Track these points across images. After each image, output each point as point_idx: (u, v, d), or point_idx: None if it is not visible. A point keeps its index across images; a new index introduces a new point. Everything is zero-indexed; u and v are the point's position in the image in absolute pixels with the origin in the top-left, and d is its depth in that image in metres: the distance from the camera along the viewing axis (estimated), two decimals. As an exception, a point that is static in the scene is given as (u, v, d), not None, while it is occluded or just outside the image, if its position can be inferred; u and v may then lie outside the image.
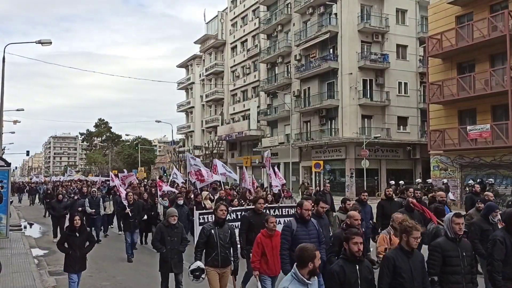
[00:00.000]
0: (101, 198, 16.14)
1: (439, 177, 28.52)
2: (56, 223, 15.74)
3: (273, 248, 6.70)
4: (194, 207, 12.05)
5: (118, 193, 15.20)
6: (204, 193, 14.01)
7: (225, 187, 16.15)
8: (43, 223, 21.81)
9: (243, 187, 18.80)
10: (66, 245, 8.06)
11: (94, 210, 15.24)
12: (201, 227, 7.96)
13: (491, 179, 24.40)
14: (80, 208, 14.71)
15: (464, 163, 27.44)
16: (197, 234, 8.97)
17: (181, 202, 12.23)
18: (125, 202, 12.95)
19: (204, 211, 11.54)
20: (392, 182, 29.35)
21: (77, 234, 8.03)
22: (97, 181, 34.55)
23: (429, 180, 29.05)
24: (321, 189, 19.13)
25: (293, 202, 13.26)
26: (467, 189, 24.72)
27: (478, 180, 25.29)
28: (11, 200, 17.45)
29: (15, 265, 10.89)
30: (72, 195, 19.57)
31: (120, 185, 16.05)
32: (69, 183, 33.16)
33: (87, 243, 8.25)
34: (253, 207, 8.67)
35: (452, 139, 26.74)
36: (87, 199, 15.94)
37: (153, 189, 17.91)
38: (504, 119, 24.43)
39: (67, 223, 13.94)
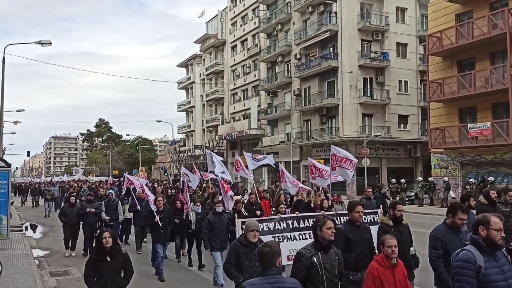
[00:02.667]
0: (119, 201, 14.12)
1: (440, 175, 28.51)
2: (69, 232, 13.01)
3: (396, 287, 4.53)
4: (236, 215, 9.37)
5: (137, 195, 13.80)
6: (235, 198, 12.05)
7: (258, 189, 13.63)
8: (44, 223, 21.86)
9: (279, 189, 15.80)
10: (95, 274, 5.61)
11: (109, 218, 13.23)
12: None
13: (491, 177, 24.41)
14: (88, 210, 13.12)
15: (465, 161, 27.42)
16: None
17: (220, 209, 9.65)
18: (153, 208, 10.95)
19: (247, 219, 8.85)
20: (394, 180, 29.38)
21: (109, 258, 5.58)
22: (107, 180, 32.96)
23: (430, 179, 29.05)
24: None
25: (343, 208, 11.20)
26: (468, 187, 24.74)
27: (479, 178, 25.38)
28: (11, 200, 17.43)
29: (16, 266, 10.89)
30: (84, 198, 15.80)
31: (143, 187, 13.87)
32: (78, 184, 31.22)
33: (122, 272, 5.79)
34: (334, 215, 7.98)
35: (453, 137, 26.72)
36: (103, 202, 13.73)
37: (170, 191, 16.96)
38: (505, 117, 24.41)
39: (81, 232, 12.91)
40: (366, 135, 33.64)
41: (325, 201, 10.94)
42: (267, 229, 7.90)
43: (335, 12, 36.72)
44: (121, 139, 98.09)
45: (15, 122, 47.55)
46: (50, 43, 20.91)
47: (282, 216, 8.68)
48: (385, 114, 36.38)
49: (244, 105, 49.92)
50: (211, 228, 9.14)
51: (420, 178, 31.74)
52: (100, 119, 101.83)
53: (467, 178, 26.51)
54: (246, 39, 50.90)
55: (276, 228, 8.04)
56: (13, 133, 54.98)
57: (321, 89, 37.86)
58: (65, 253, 12.95)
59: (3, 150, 46.27)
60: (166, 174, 61.58)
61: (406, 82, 37.22)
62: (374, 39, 36.23)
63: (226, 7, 55.90)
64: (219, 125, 54.01)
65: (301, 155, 39.87)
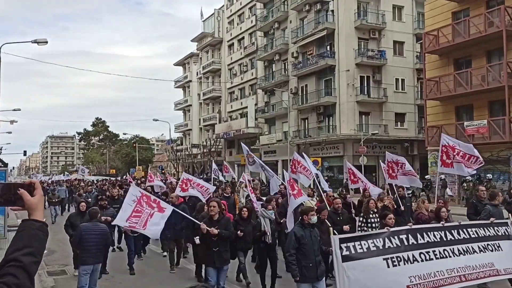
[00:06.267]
0: None
1: (436, 173, 28.53)
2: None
3: None
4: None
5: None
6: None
7: (328, 192, 11.97)
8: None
9: (367, 193, 15.07)
10: None
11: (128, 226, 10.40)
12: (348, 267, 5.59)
13: (488, 175, 24.46)
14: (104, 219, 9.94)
15: (462, 159, 27.46)
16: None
17: (314, 219, 6.79)
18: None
19: (346, 235, 6.84)
20: None
21: None
22: (116, 180, 30.60)
23: (427, 176, 29.08)
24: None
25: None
26: (465, 185, 24.79)
27: (475, 176, 25.41)
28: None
29: (14, 266, 10.80)
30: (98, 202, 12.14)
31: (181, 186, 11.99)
32: (86, 185, 26.49)
33: None
34: None
35: (450, 135, 26.73)
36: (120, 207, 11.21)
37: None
38: (501, 114, 24.48)
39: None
40: (363, 133, 33.69)
41: (444, 210, 8.19)
42: (374, 249, 5.97)
43: (332, 11, 36.74)
44: (118, 138, 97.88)
45: (12, 122, 47.41)
46: (46, 42, 20.88)
47: (392, 229, 6.53)
48: (382, 112, 36.44)
49: (241, 104, 49.90)
50: (300, 248, 6.47)
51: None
52: (97, 118, 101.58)
53: (463, 176, 26.54)
54: (243, 38, 50.85)
55: (387, 247, 6.04)
56: (9, 133, 55.03)
57: (318, 87, 37.87)
58: (74, 272, 10.25)
59: (0, 149, 46.18)
60: (163, 174, 61.46)
61: (403, 80, 37.29)
62: (371, 37, 36.27)
63: (223, 6, 55.83)
64: (216, 124, 53.96)
65: (299, 153, 39.88)
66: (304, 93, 39.20)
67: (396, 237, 6.18)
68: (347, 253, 5.85)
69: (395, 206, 10.59)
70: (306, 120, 39.56)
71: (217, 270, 7.42)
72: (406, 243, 6.15)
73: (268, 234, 8.63)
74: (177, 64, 65.77)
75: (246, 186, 15.22)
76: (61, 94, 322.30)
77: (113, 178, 44.02)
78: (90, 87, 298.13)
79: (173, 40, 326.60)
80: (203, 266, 8.67)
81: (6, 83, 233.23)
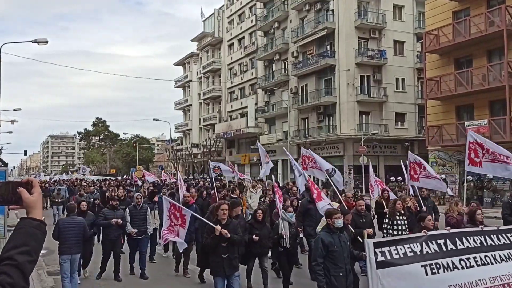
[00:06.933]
0: (148, 208, 10.60)
1: (437, 173, 28.50)
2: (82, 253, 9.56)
3: None
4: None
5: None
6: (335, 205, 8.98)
7: (347, 194, 11.46)
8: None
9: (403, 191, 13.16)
10: None
11: (136, 231, 9.96)
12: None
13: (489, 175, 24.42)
14: (114, 222, 9.82)
15: (462, 159, 27.35)
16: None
17: (340, 222, 6.09)
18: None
19: (381, 239, 6.82)
20: (393, 178, 29.37)
21: None
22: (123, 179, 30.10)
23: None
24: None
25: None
26: (465, 185, 24.75)
27: (476, 176, 25.38)
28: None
29: (13, 266, 10.78)
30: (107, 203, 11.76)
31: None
32: (87, 185, 26.42)
33: None
34: None
35: (450, 135, 26.76)
36: (127, 209, 10.35)
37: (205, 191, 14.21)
38: (502, 114, 24.45)
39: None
40: (364, 133, 33.66)
41: (479, 212, 7.55)
42: (411, 254, 5.51)
43: (332, 10, 36.70)
44: (118, 138, 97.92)
45: (12, 121, 47.50)
46: (47, 42, 20.87)
47: (430, 233, 5.94)
48: (382, 112, 36.41)
49: (241, 104, 49.88)
50: (328, 255, 5.80)
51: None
52: (97, 118, 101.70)
53: (464, 176, 26.52)
54: (243, 37, 50.83)
55: (425, 252, 5.55)
56: (10, 132, 55.15)
57: (318, 87, 37.85)
58: (85, 273, 10.23)
59: (0, 149, 46.17)
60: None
61: (403, 79, 37.26)
62: (371, 36, 36.24)
63: (223, 5, 55.81)
64: (216, 123, 53.95)
65: (299, 153, 39.88)
66: (304, 92, 39.17)
67: (434, 241, 5.70)
68: (382, 258, 5.39)
69: (418, 208, 10.03)
70: (306, 120, 39.53)
71: (226, 279, 6.88)
72: (444, 249, 5.68)
73: (286, 237, 8.16)
74: (177, 64, 65.76)
75: (253, 187, 15.20)
76: (61, 94, 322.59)
77: (113, 178, 43.99)
78: (90, 87, 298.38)
79: (173, 40, 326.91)
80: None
81: (6, 83, 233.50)
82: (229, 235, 6.62)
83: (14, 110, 40.51)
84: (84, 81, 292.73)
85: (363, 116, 36.06)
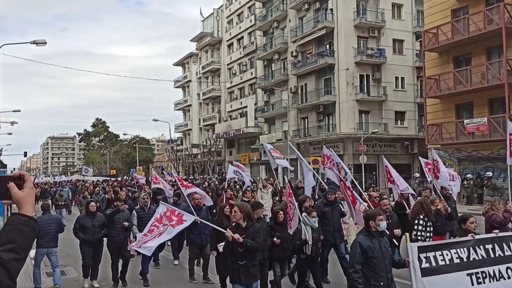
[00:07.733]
0: (155, 209, 9.53)
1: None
2: (91, 254, 9.38)
3: None
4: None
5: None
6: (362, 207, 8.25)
7: (370, 194, 10.79)
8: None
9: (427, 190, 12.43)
10: None
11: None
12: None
13: (489, 173, 24.44)
14: (126, 224, 9.44)
15: (462, 157, 27.45)
16: None
17: (384, 225, 5.45)
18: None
19: (426, 243, 6.15)
20: (417, 174, 29.33)
21: None
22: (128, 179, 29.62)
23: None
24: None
25: None
26: (465, 182, 24.77)
27: (476, 174, 25.42)
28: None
29: (13, 267, 10.71)
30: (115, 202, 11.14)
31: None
32: (92, 185, 26.16)
33: None
34: None
35: (450, 133, 26.76)
36: (134, 211, 9.98)
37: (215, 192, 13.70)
38: (501, 112, 24.44)
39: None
40: (363, 132, 33.65)
41: None
42: (458, 261, 5.01)
43: (331, 9, 36.71)
44: (118, 139, 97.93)
45: (12, 123, 47.44)
46: (45, 43, 20.87)
47: (477, 237, 5.36)
48: (382, 111, 36.41)
49: (241, 103, 49.89)
50: (367, 262, 5.11)
51: (417, 175, 31.68)
52: (97, 119, 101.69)
53: (464, 174, 26.54)
54: (242, 37, 50.84)
55: (471, 259, 5.03)
56: (10, 134, 54.96)
57: (317, 86, 37.85)
58: (84, 284, 9.54)
59: (0, 150, 46.19)
60: (163, 174, 61.40)
61: (402, 78, 37.26)
62: (370, 35, 36.24)
63: (222, 5, 55.82)
64: (216, 123, 53.96)
65: (300, 152, 39.89)
66: (304, 92, 39.17)
67: (481, 246, 5.13)
68: (427, 265, 4.86)
69: (449, 211, 9.01)
70: (306, 119, 39.54)
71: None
72: (492, 255, 5.12)
73: (309, 243, 7.64)
74: (176, 64, 65.78)
75: (264, 187, 15.03)
76: (61, 94, 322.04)
77: (114, 179, 44.03)
78: (90, 88, 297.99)
79: (173, 40, 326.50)
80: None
81: (5, 84, 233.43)
82: (241, 240, 5.96)
83: (14, 111, 40.32)
84: (83, 81, 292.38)
85: (363, 115, 36.06)
